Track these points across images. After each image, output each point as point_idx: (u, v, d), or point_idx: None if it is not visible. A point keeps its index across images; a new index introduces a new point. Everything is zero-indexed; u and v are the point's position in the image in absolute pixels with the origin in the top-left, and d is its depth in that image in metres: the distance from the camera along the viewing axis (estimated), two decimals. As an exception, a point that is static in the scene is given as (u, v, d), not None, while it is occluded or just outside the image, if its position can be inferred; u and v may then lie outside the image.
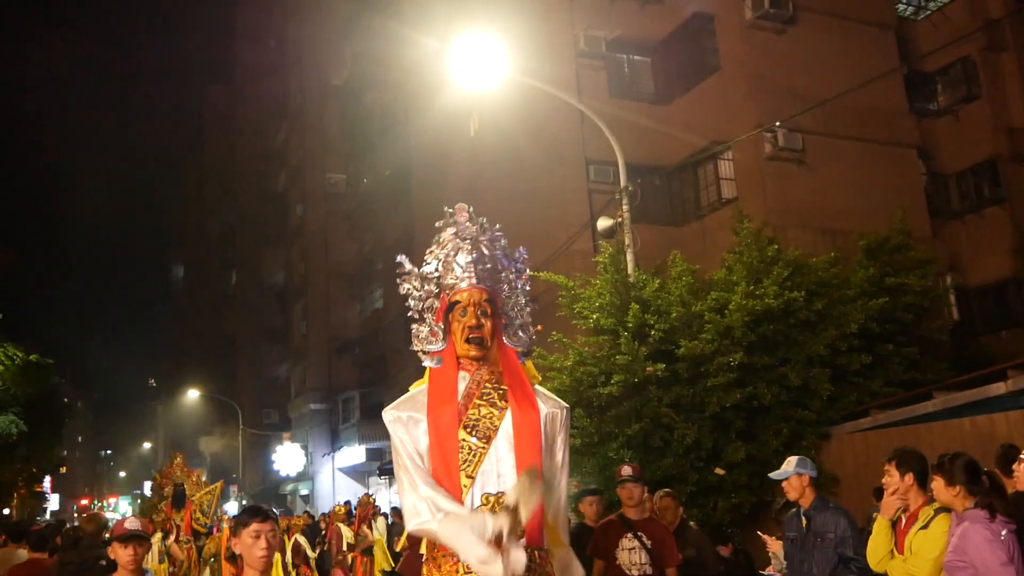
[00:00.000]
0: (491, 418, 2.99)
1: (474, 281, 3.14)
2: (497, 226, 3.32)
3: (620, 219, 12.72)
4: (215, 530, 11.60)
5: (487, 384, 3.07)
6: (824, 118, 15.43)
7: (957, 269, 17.52)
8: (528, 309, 3.29)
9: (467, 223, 3.25)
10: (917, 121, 18.09)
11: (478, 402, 3.03)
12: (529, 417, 2.99)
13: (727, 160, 16.78)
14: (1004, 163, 17.91)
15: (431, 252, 3.26)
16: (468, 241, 3.20)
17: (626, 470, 5.98)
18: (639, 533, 5.69)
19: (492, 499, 2.87)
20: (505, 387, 3.06)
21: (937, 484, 4.06)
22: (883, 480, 4.50)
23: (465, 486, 2.89)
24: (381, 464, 28.27)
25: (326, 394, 35.19)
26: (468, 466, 2.91)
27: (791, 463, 5.57)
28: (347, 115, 33.31)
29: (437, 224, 3.29)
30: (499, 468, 2.93)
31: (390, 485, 28.36)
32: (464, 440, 2.94)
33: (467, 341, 3.07)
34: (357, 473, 32.55)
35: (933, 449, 7.92)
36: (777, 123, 14.87)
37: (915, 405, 10.13)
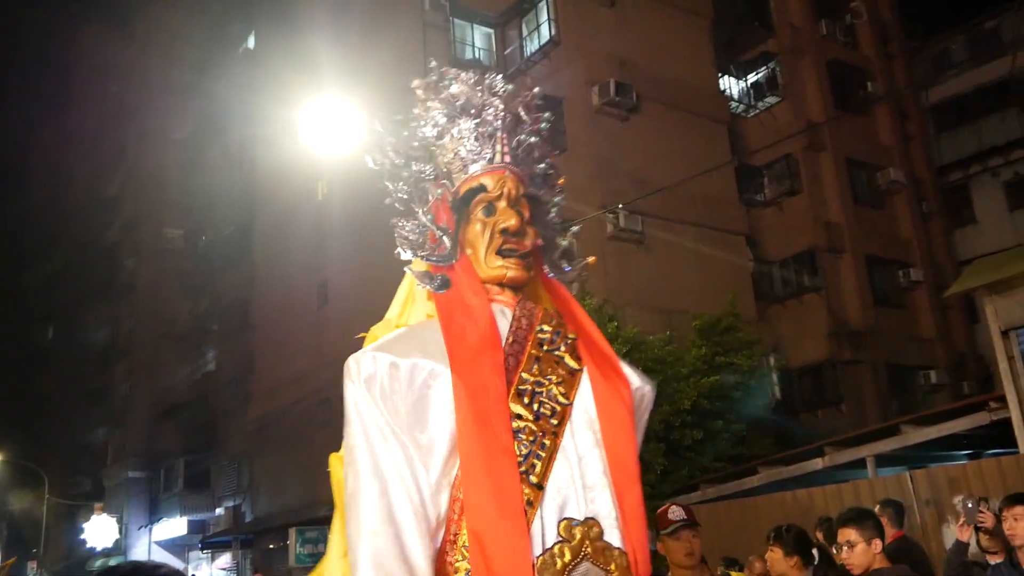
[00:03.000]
0: (560, 384, 1.86)
1: (507, 160, 2.05)
2: (539, 101, 2.23)
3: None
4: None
5: (544, 327, 1.94)
6: (663, 202, 16.19)
7: (780, 351, 18.60)
8: (568, 231, 2.29)
9: (497, 78, 2.14)
10: (746, 210, 19.28)
11: (535, 353, 1.88)
12: (617, 391, 1.93)
13: (571, 238, 17.25)
14: (821, 254, 19.31)
15: (424, 110, 2.14)
16: (498, 99, 2.09)
17: (676, 511, 3.75)
18: None
19: (579, 531, 1.71)
20: (572, 336, 1.97)
21: (774, 555, 4.07)
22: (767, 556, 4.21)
23: (529, 502, 1.69)
24: (204, 537, 26.74)
25: (147, 461, 33.11)
26: (531, 467, 1.73)
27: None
28: (189, 169, 32.27)
29: (421, 82, 2.19)
30: (583, 472, 1.78)
31: (212, 559, 26.83)
32: (521, 419, 1.78)
33: (500, 253, 1.96)
34: (177, 547, 30.60)
35: (758, 522, 8.25)
36: (619, 204, 15.47)
37: (742, 480, 10.53)
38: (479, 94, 2.08)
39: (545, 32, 18.69)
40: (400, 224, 2.11)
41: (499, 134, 2.05)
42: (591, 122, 17.37)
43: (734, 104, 20.79)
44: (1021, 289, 8.22)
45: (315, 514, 17.67)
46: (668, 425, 11.28)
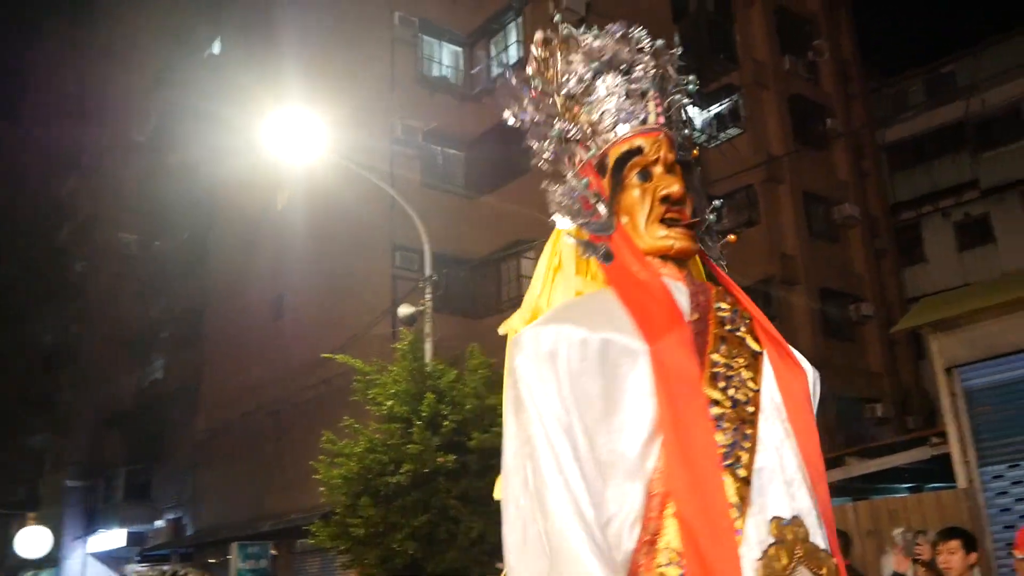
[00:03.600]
0: (747, 368, 1.70)
1: (662, 122, 1.87)
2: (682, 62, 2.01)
3: (422, 307, 12.76)
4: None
5: (722, 305, 1.80)
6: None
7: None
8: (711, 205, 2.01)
9: (642, 32, 1.94)
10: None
11: (718, 333, 1.72)
12: (798, 376, 1.77)
13: (529, 259, 17.33)
14: (776, 285, 19.57)
15: (564, 63, 1.92)
16: (646, 55, 1.90)
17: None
18: None
19: (788, 531, 1.54)
20: (748, 315, 1.82)
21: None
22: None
23: (733, 500, 1.52)
24: (143, 550, 26.19)
25: (87, 470, 32.33)
26: (736, 459, 1.56)
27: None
28: (147, 173, 31.82)
29: (553, 34, 1.97)
30: (783, 465, 1.61)
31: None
32: (718, 404, 1.62)
33: (663, 222, 1.78)
34: (113, 559, 29.88)
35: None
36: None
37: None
38: (626, 49, 1.89)
39: (514, 53, 18.81)
40: (553, 189, 1.97)
41: (651, 92, 1.86)
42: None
43: (697, 134, 21.05)
44: (965, 328, 8.41)
45: (259, 528, 17.41)
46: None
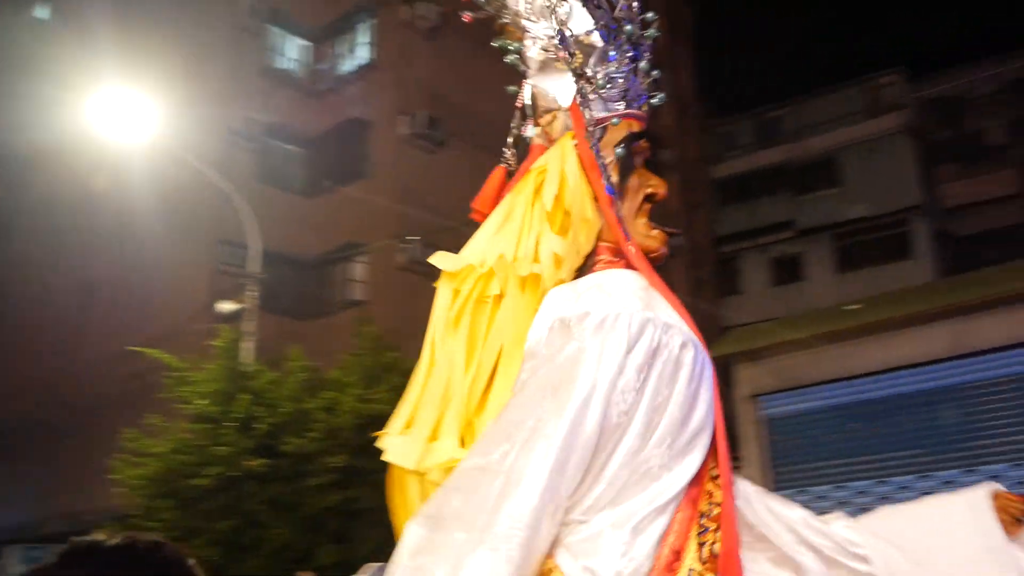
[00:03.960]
0: None
1: (645, 112, 1.76)
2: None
3: (245, 304, 12.30)
4: None
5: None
6: (460, 241, 16.25)
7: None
8: None
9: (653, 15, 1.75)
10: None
11: None
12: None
13: (362, 263, 17.07)
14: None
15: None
16: (650, 38, 1.76)
17: None
18: None
19: None
20: None
21: None
22: None
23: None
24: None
25: None
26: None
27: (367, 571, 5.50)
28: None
29: None
30: None
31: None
32: None
33: (649, 221, 1.72)
34: None
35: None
36: (417, 237, 15.45)
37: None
38: (636, 21, 1.71)
39: (362, 54, 18.55)
40: (585, 98, 1.69)
41: (646, 79, 1.74)
42: (398, 151, 17.33)
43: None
44: (771, 359, 8.90)
45: (45, 531, 16.23)
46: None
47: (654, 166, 1.72)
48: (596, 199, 1.64)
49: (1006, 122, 24.21)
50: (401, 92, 17.55)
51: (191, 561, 1.26)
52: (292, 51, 19.30)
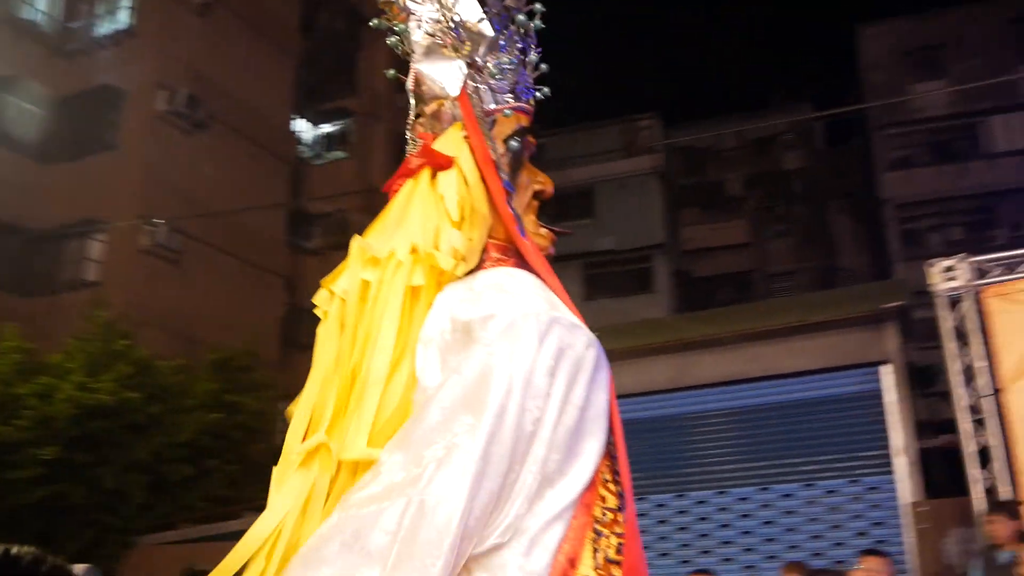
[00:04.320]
0: None
1: (533, 107, 1.71)
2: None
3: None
4: None
5: None
6: (209, 227, 15.62)
7: (293, 398, 18.54)
8: None
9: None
10: (291, 254, 19.35)
11: None
12: None
13: (100, 241, 15.88)
14: (354, 312, 20.00)
15: None
16: (535, 31, 1.71)
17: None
18: None
19: None
20: None
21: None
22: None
23: None
24: None
25: None
26: None
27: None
28: None
29: None
30: None
31: None
32: None
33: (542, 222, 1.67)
34: None
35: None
36: (163, 220, 14.62)
37: (226, 523, 10.30)
38: (524, 12, 1.65)
39: (122, 18, 17.33)
40: (473, 99, 1.61)
41: (532, 72, 1.67)
42: (151, 126, 16.31)
43: (303, 148, 20.99)
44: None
45: None
46: (159, 457, 10.68)
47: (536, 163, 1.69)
48: (490, 194, 1.58)
49: (743, 176, 26.70)
50: (162, 65, 16.56)
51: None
52: (41, 2, 17.67)
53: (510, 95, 1.64)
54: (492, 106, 1.63)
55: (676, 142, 26.09)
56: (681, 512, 8.98)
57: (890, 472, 7.95)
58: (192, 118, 16.52)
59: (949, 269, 7.56)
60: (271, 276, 18.24)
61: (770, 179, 26.37)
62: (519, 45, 1.66)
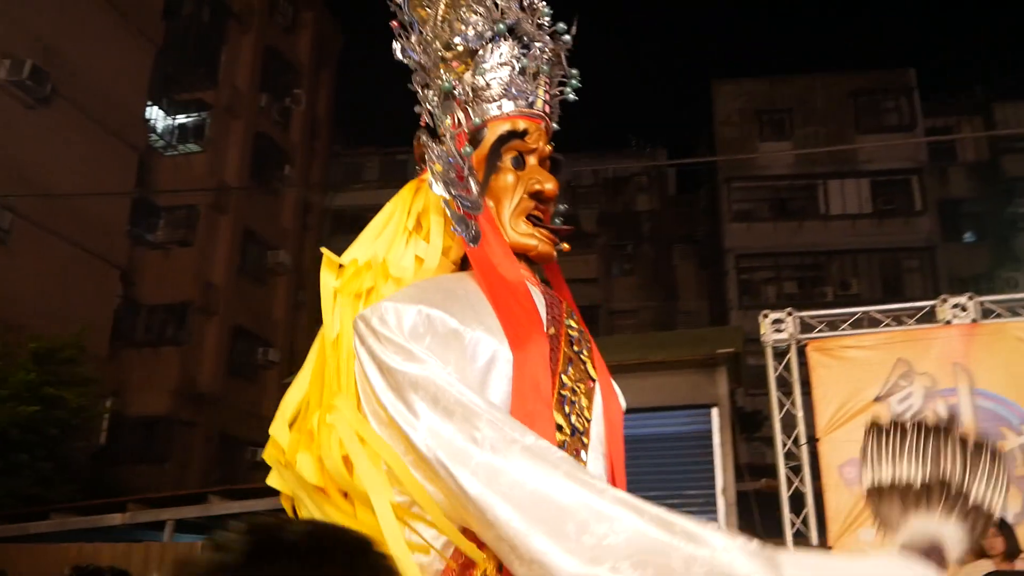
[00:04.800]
0: (586, 395, 1.56)
1: (547, 111, 1.73)
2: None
3: None
4: None
5: (571, 323, 1.64)
6: (44, 208, 14.71)
7: (121, 395, 17.74)
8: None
9: (543, 6, 1.73)
10: (131, 246, 18.45)
11: (568, 353, 1.57)
12: (618, 412, 1.65)
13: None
14: (194, 312, 19.24)
15: (453, 11, 1.70)
16: (546, 35, 1.73)
17: None
18: None
19: None
20: (589, 340, 1.67)
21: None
22: None
23: None
24: None
25: None
26: None
27: None
28: None
29: None
30: None
31: None
32: (561, 431, 1.47)
33: (530, 219, 1.64)
34: None
35: (40, 570, 7.65)
36: None
37: (29, 523, 9.70)
38: (529, 20, 1.70)
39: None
40: (429, 145, 1.65)
41: (543, 76, 1.70)
42: (-12, 95, 15.24)
43: (155, 137, 20.12)
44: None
45: None
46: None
47: (557, 164, 1.75)
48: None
49: (596, 213, 27.43)
50: (6, 31, 15.49)
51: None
52: None
53: (504, 100, 1.67)
54: (478, 121, 1.67)
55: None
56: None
57: (715, 511, 8.31)
58: (37, 92, 15.54)
59: (778, 321, 8.02)
60: (108, 267, 17.30)
61: (622, 218, 27.23)
62: (515, 52, 1.70)
